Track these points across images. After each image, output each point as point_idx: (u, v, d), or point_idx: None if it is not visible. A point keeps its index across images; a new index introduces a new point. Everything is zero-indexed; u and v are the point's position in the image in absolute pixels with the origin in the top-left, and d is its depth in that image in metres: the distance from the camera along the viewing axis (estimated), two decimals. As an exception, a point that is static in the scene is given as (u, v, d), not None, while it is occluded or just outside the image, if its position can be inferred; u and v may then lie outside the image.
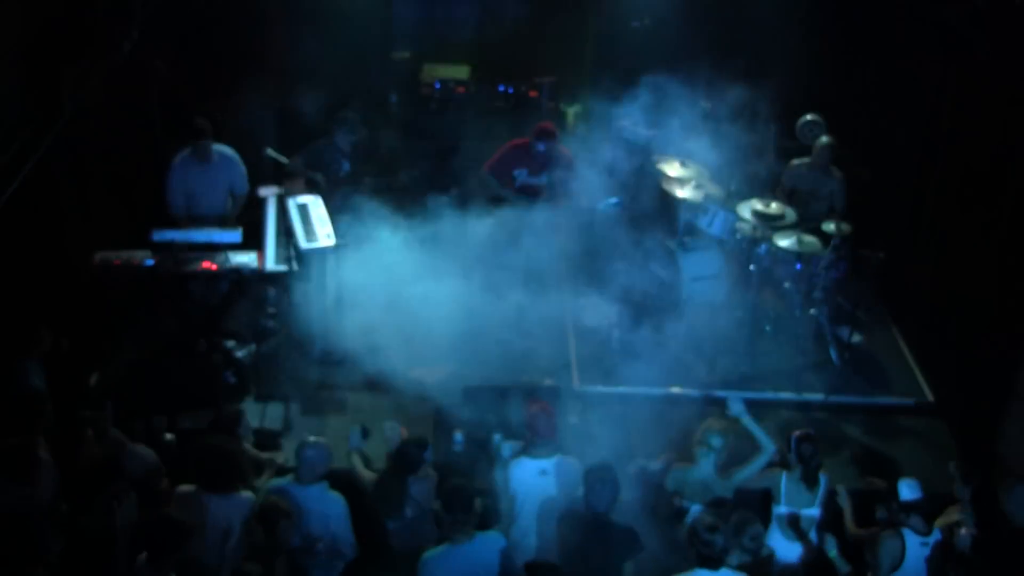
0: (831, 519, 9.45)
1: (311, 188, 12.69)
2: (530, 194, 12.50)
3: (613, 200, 12.63)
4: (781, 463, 9.46)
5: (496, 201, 12.54)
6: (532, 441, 9.09)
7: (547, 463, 8.95)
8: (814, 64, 14.78)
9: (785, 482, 9.22)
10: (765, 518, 9.13)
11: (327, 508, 8.67)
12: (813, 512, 9.27)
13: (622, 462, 9.26)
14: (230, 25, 14.84)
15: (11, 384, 9.46)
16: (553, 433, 9.02)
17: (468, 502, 8.23)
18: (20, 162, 7.80)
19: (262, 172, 12.96)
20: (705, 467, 9.24)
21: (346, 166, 13.21)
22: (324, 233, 11.65)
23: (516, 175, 12.51)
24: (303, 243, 11.53)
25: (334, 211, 12.13)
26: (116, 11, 8.64)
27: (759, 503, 9.28)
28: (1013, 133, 10.40)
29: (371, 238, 11.96)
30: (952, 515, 9.12)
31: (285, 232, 11.76)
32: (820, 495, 9.21)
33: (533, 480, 8.92)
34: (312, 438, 8.92)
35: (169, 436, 9.82)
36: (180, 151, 12.27)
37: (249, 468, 9.24)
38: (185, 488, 8.62)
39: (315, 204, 12.07)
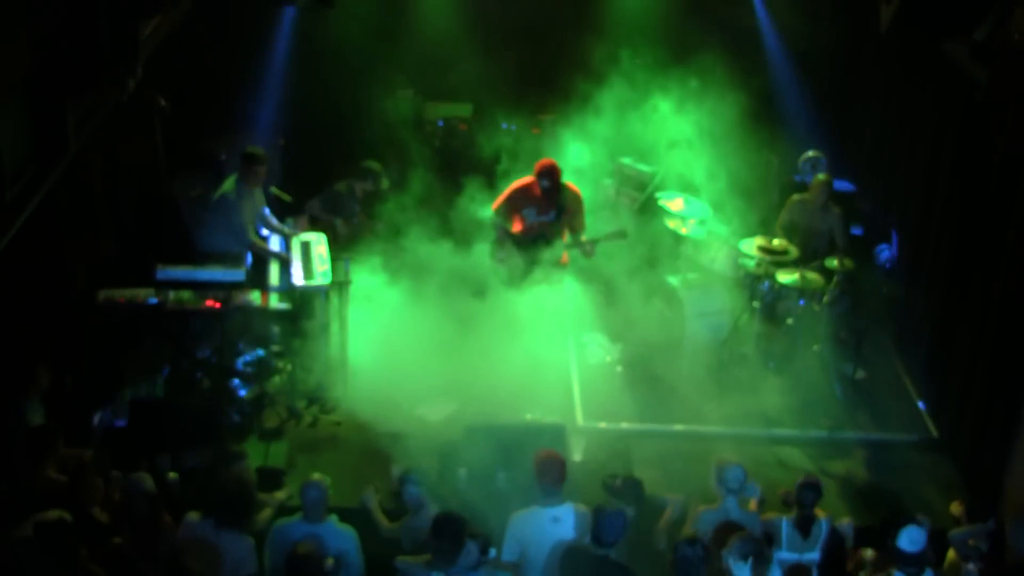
0: (833, 561, 9.38)
1: (327, 231, 12.72)
2: (539, 232, 12.46)
3: (618, 231, 12.61)
4: (784, 505, 9.42)
5: (502, 243, 12.52)
6: (543, 490, 9.01)
7: (559, 511, 8.89)
8: (816, 100, 14.88)
9: (785, 527, 9.15)
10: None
11: (342, 543, 8.65)
12: (813, 556, 9.19)
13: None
14: (233, 62, 14.95)
15: (10, 423, 9.46)
16: (562, 483, 8.96)
17: (458, 534, 8.15)
18: (25, 199, 7.81)
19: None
20: (731, 506, 9.17)
21: (357, 208, 13.27)
22: (320, 271, 11.68)
23: (525, 214, 12.49)
24: (299, 280, 11.56)
25: (347, 252, 12.21)
26: (121, 48, 8.67)
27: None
28: (1015, 166, 10.42)
29: (378, 278, 12.04)
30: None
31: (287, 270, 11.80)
32: (822, 538, 9.14)
33: (547, 528, 8.86)
34: (314, 476, 8.89)
35: (172, 475, 9.80)
36: (228, 181, 12.21)
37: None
38: (193, 519, 8.62)
39: (317, 242, 12.11)
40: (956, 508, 10.01)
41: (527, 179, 12.49)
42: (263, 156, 12.14)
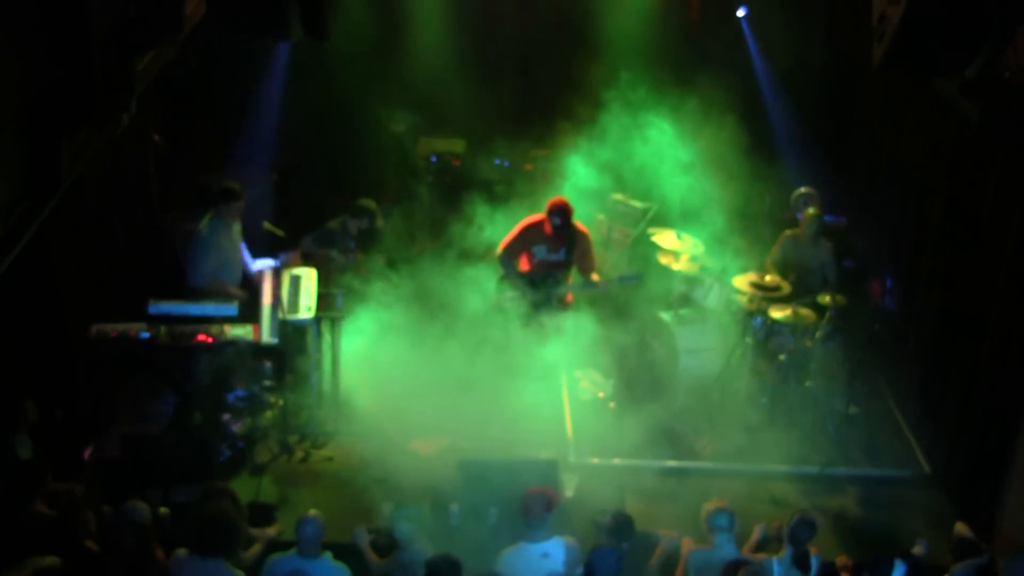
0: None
1: (324, 264, 12.72)
2: (548, 271, 12.44)
3: (633, 274, 12.61)
4: (776, 540, 9.41)
5: (510, 281, 12.52)
6: (527, 523, 9.00)
7: (547, 545, 8.88)
8: (809, 135, 14.91)
9: (777, 568, 9.10)
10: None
11: (335, 579, 8.69)
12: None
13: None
14: (226, 97, 14.98)
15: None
16: (542, 517, 8.94)
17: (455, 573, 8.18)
18: (18, 233, 7.81)
19: (259, 245, 12.99)
20: (725, 547, 9.13)
21: (352, 244, 13.28)
22: (305, 306, 11.68)
23: (534, 251, 12.46)
24: (286, 315, 11.56)
25: (341, 286, 12.22)
26: (115, 83, 8.69)
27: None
28: (1007, 204, 10.45)
29: (371, 312, 12.03)
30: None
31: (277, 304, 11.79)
32: (813, 574, 9.12)
33: (536, 564, 8.84)
34: (310, 512, 8.88)
35: (163, 510, 9.77)
36: (205, 218, 12.13)
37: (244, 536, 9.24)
38: (181, 554, 8.60)
39: (307, 277, 12.10)
40: (962, 528, 9.91)
41: (537, 216, 12.49)
42: (239, 191, 12.11)
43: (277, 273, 12.12)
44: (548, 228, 12.27)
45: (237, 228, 12.27)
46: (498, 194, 14.44)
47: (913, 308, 12.78)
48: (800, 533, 9.06)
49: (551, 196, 12.63)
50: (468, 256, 13.11)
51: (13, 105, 7.65)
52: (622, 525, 9.14)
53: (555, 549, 8.82)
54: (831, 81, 15.75)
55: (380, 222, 13.70)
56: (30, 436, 9.87)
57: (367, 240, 13.54)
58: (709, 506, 9.33)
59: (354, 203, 13.46)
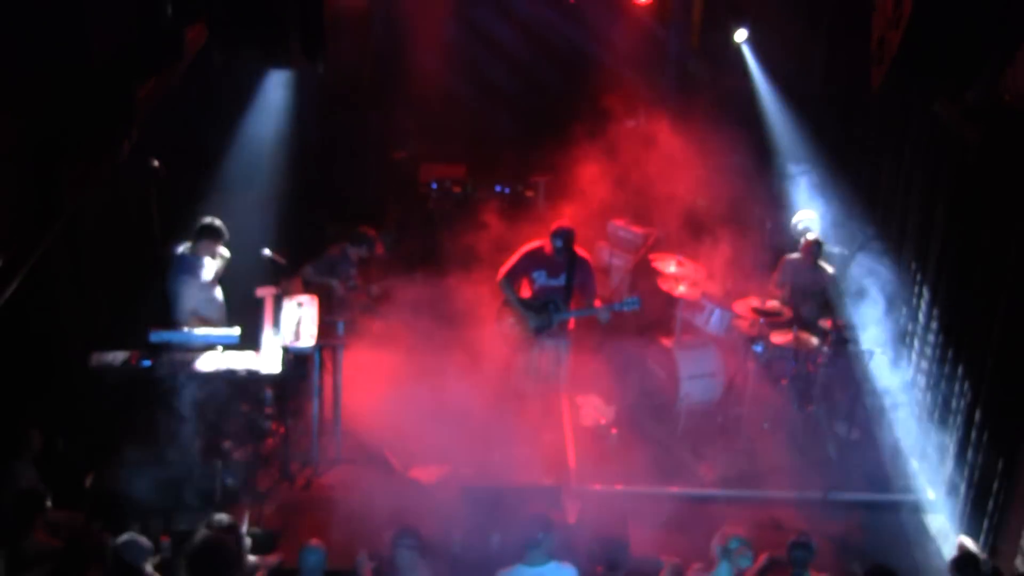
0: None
1: (324, 293, 12.71)
2: (549, 297, 12.42)
3: (633, 299, 12.58)
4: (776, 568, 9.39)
5: (510, 308, 12.50)
6: (525, 546, 8.98)
7: (544, 569, 8.85)
8: (810, 159, 14.93)
9: None
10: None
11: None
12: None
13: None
14: (227, 123, 15.00)
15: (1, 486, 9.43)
16: (538, 540, 8.90)
17: None
18: (20, 261, 7.81)
19: (259, 272, 12.98)
20: (723, 572, 9.12)
21: (352, 271, 13.28)
22: (308, 334, 11.66)
23: (534, 277, 12.44)
24: (287, 343, 11.54)
25: (342, 314, 12.20)
26: (117, 112, 8.70)
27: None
28: (1007, 226, 10.45)
29: (374, 338, 12.03)
30: None
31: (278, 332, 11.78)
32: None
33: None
34: (312, 542, 8.86)
35: (164, 538, 9.74)
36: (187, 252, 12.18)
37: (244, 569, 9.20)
38: None
39: (309, 305, 12.09)
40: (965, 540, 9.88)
41: (537, 242, 12.49)
42: (222, 235, 12.15)
43: (278, 301, 12.12)
44: (549, 251, 12.25)
45: (210, 262, 12.27)
46: (499, 220, 14.44)
47: (915, 331, 12.77)
48: (796, 555, 9.06)
49: (552, 222, 12.63)
50: (469, 281, 13.11)
51: (15, 133, 7.66)
52: (614, 551, 9.11)
53: (552, 574, 8.79)
54: (831, 105, 15.76)
55: (380, 250, 13.70)
56: (34, 465, 9.85)
57: (367, 267, 13.55)
58: (725, 531, 9.29)
59: (354, 231, 13.47)
